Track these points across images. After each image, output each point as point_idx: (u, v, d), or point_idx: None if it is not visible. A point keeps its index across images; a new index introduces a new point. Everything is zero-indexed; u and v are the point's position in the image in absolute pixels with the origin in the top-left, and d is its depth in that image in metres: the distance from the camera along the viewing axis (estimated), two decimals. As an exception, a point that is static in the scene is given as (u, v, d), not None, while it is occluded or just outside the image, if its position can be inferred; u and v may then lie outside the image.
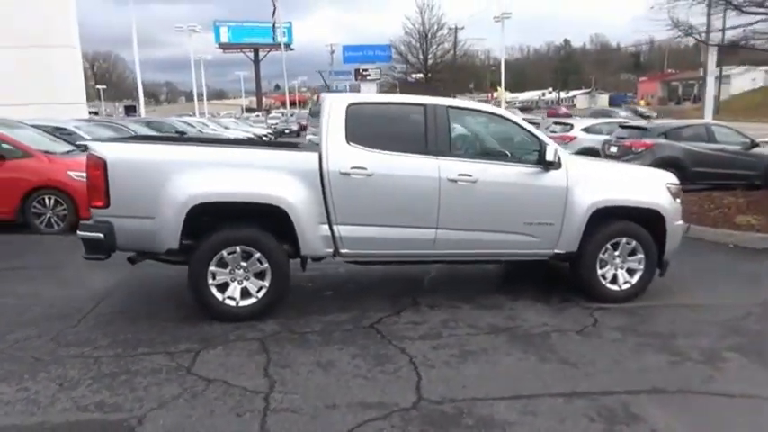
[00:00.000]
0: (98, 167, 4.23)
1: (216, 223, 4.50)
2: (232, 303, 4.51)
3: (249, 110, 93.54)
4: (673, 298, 5.36)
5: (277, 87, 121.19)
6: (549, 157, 4.79)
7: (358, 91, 75.83)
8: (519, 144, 5.10)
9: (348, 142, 4.61)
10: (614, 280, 5.18)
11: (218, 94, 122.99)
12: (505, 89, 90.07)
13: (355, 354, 4.02)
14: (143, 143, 4.84)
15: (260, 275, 4.54)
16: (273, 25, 64.22)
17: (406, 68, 36.56)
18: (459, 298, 5.20)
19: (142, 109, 37.61)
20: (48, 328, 4.36)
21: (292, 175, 4.48)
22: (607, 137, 13.56)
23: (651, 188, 5.20)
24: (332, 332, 4.40)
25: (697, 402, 3.46)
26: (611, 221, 5.09)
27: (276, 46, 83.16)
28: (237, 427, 3.08)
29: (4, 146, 7.92)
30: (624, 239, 5.11)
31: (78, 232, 4.36)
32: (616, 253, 5.14)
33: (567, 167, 4.98)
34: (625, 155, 11.82)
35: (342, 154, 4.57)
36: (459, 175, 4.73)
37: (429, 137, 4.76)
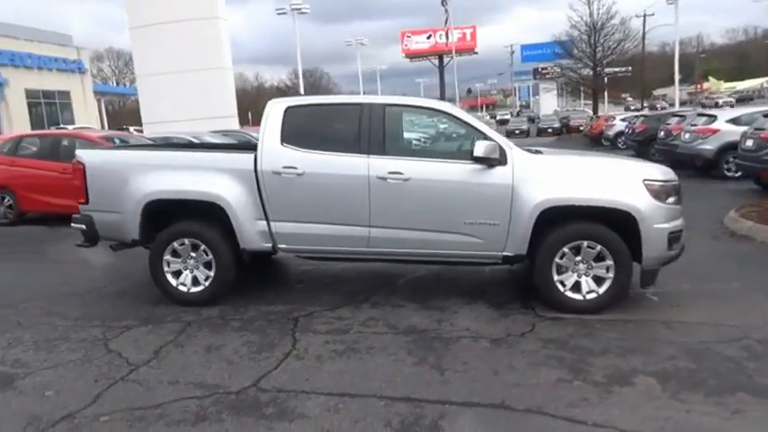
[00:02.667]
0: (79, 171, 5.11)
1: (177, 218, 5.10)
2: (184, 289, 5.06)
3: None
4: (658, 312, 4.63)
5: (469, 91, 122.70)
6: (477, 152, 4.49)
7: (537, 92, 73.18)
8: (465, 140, 4.84)
9: (282, 143, 4.87)
10: (577, 288, 4.63)
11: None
12: (721, 78, 78.94)
13: (250, 341, 4.27)
14: (114, 150, 5.65)
15: (207, 266, 5.02)
16: (447, 33, 65.05)
17: (572, 64, 34.37)
18: (413, 299, 5.11)
19: None
20: (51, 302, 5.36)
21: (231, 175, 4.89)
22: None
23: (621, 185, 4.53)
24: (255, 321, 4.70)
25: (525, 423, 3.06)
26: (571, 223, 4.57)
27: (460, 51, 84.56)
28: (87, 389, 3.56)
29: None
30: (586, 243, 4.54)
31: (72, 224, 5.30)
32: (578, 258, 4.59)
33: (514, 164, 4.60)
34: (761, 149, 10.10)
35: (275, 154, 4.85)
36: (390, 173, 4.68)
37: (362, 136, 4.79)
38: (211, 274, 5.01)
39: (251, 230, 4.91)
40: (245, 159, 4.89)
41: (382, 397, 3.35)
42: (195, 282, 5.05)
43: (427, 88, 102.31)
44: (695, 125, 13.14)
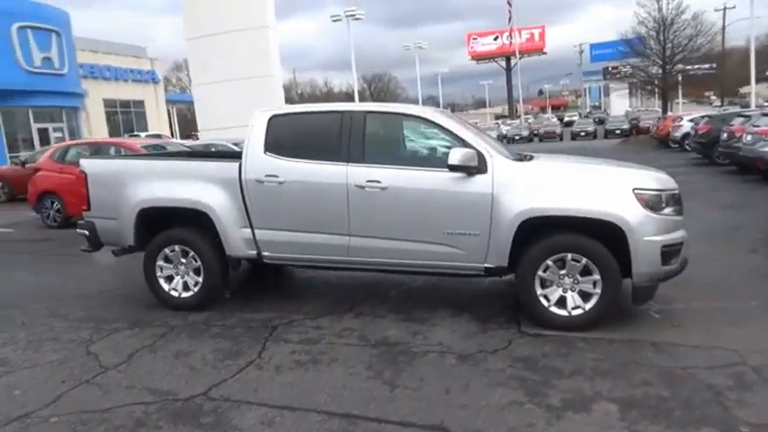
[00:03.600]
0: (82, 179, 5.36)
1: (169, 225, 5.24)
2: (176, 294, 5.19)
3: (500, 117, 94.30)
4: (653, 331, 4.29)
5: (540, 93, 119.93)
6: (452, 160, 4.33)
7: (608, 93, 70.29)
8: (447, 148, 4.67)
9: (265, 152, 4.90)
10: (563, 303, 4.37)
11: (478, 104, 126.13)
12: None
13: (221, 348, 4.32)
14: (114, 159, 5.86)
15: (197, 272, 5.13)
16: (510, 33, 63.76)
17: (639, 62, 32.65)
18: (398, 309, 5.00)
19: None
20: (60, 303, 5.65)
21: (217, 183, 4.98)
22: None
23: (607, 194, 4.23)
24: (235, 327, 4.75)
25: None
26: (555, 234, 4.33)
27: (529, 51, 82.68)
28: (51, 390, 3.71)
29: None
30: (570, 256, 4.28)
31: (77, 230, 5.56)
32: (562, 272, 4.33)
33: (495, 171, 4.41)
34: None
35: (258, 163, 4.89)
36: (368, 181, 4.61)
37: (342, 144, 4.75)
38: (200, 279, 5.11)
39: (236, 238, 4.97)
40: (230, 168, 4.96)
41: (322, 412, 3.29)
42: (186, 287, 5.18)
43: (494, 90, 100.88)
44: (758, 126, 12.19)
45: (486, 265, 4.51)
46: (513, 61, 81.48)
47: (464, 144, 4.49)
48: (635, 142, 31.66)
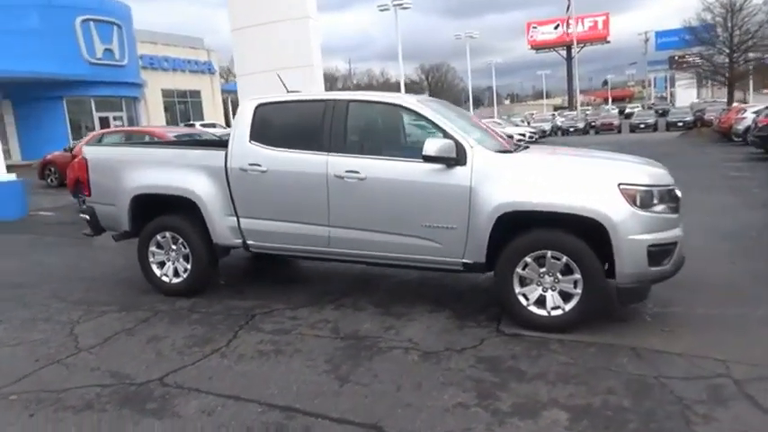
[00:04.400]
0: (83, 166, 5.54)
1: (162, 212, 5.33)
2: (167, 280, 5.29)
3: (559, 108, 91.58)
4: (638, 336, 4.02)
5: (605, 83, 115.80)
6: (427, 151, 4.18)
7: (673, 84, 66.82)
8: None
9: (250, 141, 4.90)
10: (543, 303, 4.16)
11: (538, 95, 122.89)
12: None
13: (195, 334, 4.36)
14: (114, 147, 5.99)
15: (186, 258, 5.21)
16: (567, 21, 61.54)
17: (704, 51, 30.73)
18: (381, 303, 4.91)
19: (471, 113, 42.49)
20: (65, 284, 5.88)
21: (204, 171, 5.02)
22: None
23: (591, 189, 3.97)
24: (216, 315, 4.79)
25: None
26: (535, 230, 4.12)
27: (591, 40, 79.74)
28: (22, 368, 3.85)
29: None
30: (550, 253, 4.06)
31: (80, 214, 5.75)
32: (542, 270, 4.12)
33: (474, 163, 4.24)
34: None
35: (243, 152, 4.89)
36: (347, 171, 4.53)
37: (324, 133, 4.68)
38: (189, 266, 5.18)
39: (222, 226, 5.00)
40: (216, 156, 4.99)
41: (264, 404, 3.25)
42: (176, 273, 5.27)
43: (556, 81, 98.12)
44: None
45: (464, 260, 4.35)
46: (574, 50, 79.14)
47: (444, 134, 4.33)
48: (696, 135, 29.98)
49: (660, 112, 48.41)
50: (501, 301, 4.30)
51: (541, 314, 4.15)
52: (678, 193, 4.37)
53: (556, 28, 79.40)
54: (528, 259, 4.12)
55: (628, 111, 56.83)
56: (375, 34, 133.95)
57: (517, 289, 4.18)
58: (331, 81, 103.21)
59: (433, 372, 3.59)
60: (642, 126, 38.15)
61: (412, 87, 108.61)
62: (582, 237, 4.00)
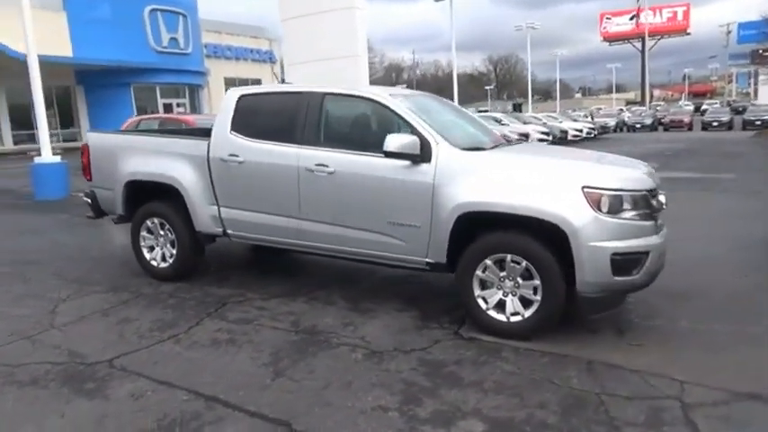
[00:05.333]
0: (85, 151, 5.79)
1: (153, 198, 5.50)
2: (155, 264, 5.48)
3: (631, 103, 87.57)
4: (601, 349, 3.79)
5: (686, 78, 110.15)
6: (387, 146, 4.09)
7: (756, 79, 62.26)
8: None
9: (231, 131, 4.96)
10: (503, 307, 4.01)
11: (611, 88, 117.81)
12: None
13: (163, 319, 4.48)
14: (112, 133, 6.18)
15: (173, 244, 5.36)
16: (637, 13, 58.48)
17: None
18: (354, 298, 4.88)
19: (530, 106, 42.59)
20: (69, 263, 6.20)
21: (188, 160, 5.13)
22: None
23: (552, 190, 3.77)
24: (190, 300, 4.91)
25: None
26: (495, 232, 3.97)
27: (669, 32, 75.72)
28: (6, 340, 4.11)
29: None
30: (509, 257, 3.90)
31: (83, 197, 6.03)
32: (502, 273, 3.96)
33: (438, 161, 4.11)
34: None
35: (223, 142, 4.97)
36: (317, 165, 4.51)
37: (298, 125, 4.68)
38: (174, 252, 5.33)
39: (204, 214, 5.11)
40: (200, 146, 5.09)
41: (191, 392, 3.31)
42: (164, 258, 5.43)
43: (628, 74, 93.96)
44: None
45: (427, 259, 4.24)
46: (649, 43, 75.29)
47: (411, 130, 4.22)
48: (772, 135, 27.96)
49: (739, 109, 45.42)
50: (462, 303, 4.17)
51: (501, 319, 4.00)
52: (661, 198, 4.09)
53: (631, 19, 75.81)
54: (488, 262, 3.97)
55: (705, 107, 53.64)
56: (445, 25, 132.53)
57: (477, 292, 4.04)
58: (397, 71, 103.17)
59: (369, 372, 3.53)
60: (715, 124, 35.98)
61: (479, 79, 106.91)
62: (546, 241, 3.81)
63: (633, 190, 3.79)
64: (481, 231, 4.02)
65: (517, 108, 62.60)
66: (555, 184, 3.80)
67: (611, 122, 38.23)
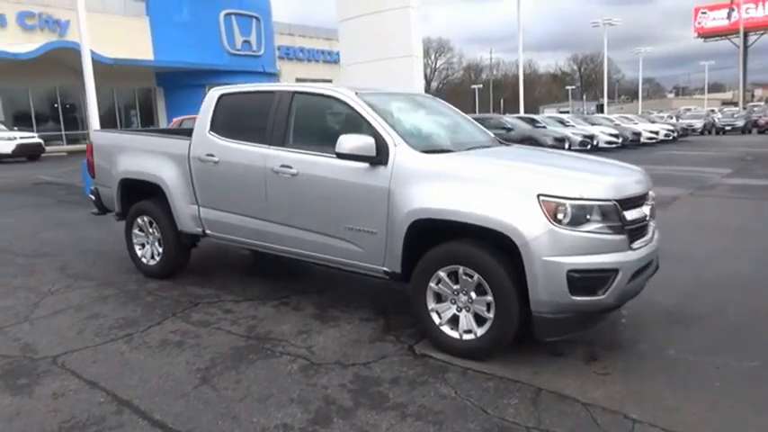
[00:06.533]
0: (90, 149, 5.98)
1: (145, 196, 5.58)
2: (145, 261, 5.56)
3: (727, 103, 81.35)
4: (561, 376, 3.41)
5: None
6: (339, 148, 3.87)
7: None
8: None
9: (209, 131, 4.94)
10: (457, 323, 3.70)
11: (712, 87, 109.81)
12: None
13: (129, 317, 4.50)
14: (113, 133, 6.29)
15: (160, 243, 5.42)
16: (735, 6, 53.98)
17: None
18: (325, 305, 4.72)
19: (605, 107, 41.65)
20: (75, 256, 6.44)
21: (172, 159, 5.16)
22: None
23: (506, 198, 3.42)
24: (165, 300, 4.91)
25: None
26: (449, 242, 3.67)
27: (774, 27, 69.65)
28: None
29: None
30: (461, 269, 3.59)
31: (89, 194, 6.23)
32: (456, 287, 3.66)
33: (395, 164, 3.86)
34: None
35: (202, 142, 4.95)
36: (282, 166, 4.38)
37: (268, 125, 4.57)
38: (161, 250, 5.39)
39: (186, 213, 5.12)
40: (182, 145, 5.09)
41: (111, 394, 3.26)
42: (152, 256, 5.50)
43: (728, 73, 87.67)
44: None
45: (384, 268, 4.00)
46: (751, 38, 69.59)
47: (371, 130, 3.99)
48: None
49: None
50: (416, 317, 3.89)
51: (454, 336, 3.69)
52: (643, 210, 3.64)
53: (730, 13, 70.38)
54: (441, 274, 3.67)
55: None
56: (527, 23, 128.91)
57: (431, 305, 3.76)
58: (476, 71, 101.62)
59: (295, 385, 3.35)
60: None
61: (562, 79, 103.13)
62: (503, 254, 3.47)
63: (599, 200, 3.36)
64: (437, 240, 3.73)
65: (600, 109, 59.68)
66: (510, 191, 3.44)
67: (698, 124, 35.61)
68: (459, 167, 3.75)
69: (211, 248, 5.58)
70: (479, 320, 3.60)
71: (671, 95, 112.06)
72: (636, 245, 3.53)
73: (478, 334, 3.58)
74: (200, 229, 5.11)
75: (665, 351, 3.77)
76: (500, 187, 3.48)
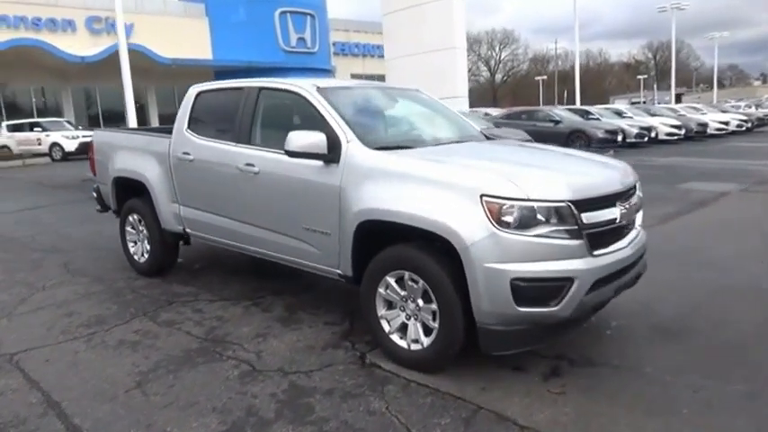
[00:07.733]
0: (91, 147, 6.11)
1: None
2: (136, 258, 5.62)
3: (820, 92, 74.75)
4: (504, 395, 3.12)
5: None
6: (288, 145, 3.70)
7: None
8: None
9: (187, 129, 4.90)
10: (405, 332, 3.47)
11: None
12: None
13: (103, 315, 4.52)
14: (111, 132, 6.34)
15: (149, 240, 5.46)
16: None
17: None
18: (295, 308, 4.58)
19: (672, 96, 40.04)
20: (81, 252, 6.62)
21: (156, 158, 5.17)
22: None
23: (448, 198, 3.13)
24: (144, 298, 4.92)
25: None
26: (396, 246, 3.44)
27: None
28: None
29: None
30: (407, 274, 3.35)
31: (92, 192, 6.38)
32: (403, 293, 3.42)
33: (346, 162, 3.66)
34: None
35: (180, 140, 4.92)
36: (246, 164, 4.27)
37: (236, 122, 4.47)
38: (149, 248, 5.42)
39: (168, 212, 5.11)
40: (164, 143, 5.09)
41: (46, 395, 3.25)
42: (142, 253, 5.55)
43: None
44: None
45: (338, 270, 3.81)
46: None
47: (324, 127, 3.80)
48: None
49: None
50: (367, 322, 3.68)
51: (402, 346, 3.46)
52: (614, 212, 3.27)
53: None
54: (389, 279, 3.44)
55: None
56: (599, 12, 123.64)
57: (380, 312, 3.54)
58: (542, 63, 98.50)
59: (226, 393, 3.23)
60: None
61: (636, 68, 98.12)
62: (451, 259, 3.20)
63: (550, 200, 3.02)
64: (389, 243, 3.50)
65: (678, 99, 56.35)
66: (454, 191, 3.15)
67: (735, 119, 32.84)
68: (408, 166, 3.49)
69: (207, 246, 5.57)
70: (427, 330, 3.35)
71: (757, 83, 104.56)
72: (600, 251, 3.16)
73: (425, 344, 3.34)
74: (181, 228, 5.09)
75: (641, 369, 3.38)
76: (446, 188, 3.20)
